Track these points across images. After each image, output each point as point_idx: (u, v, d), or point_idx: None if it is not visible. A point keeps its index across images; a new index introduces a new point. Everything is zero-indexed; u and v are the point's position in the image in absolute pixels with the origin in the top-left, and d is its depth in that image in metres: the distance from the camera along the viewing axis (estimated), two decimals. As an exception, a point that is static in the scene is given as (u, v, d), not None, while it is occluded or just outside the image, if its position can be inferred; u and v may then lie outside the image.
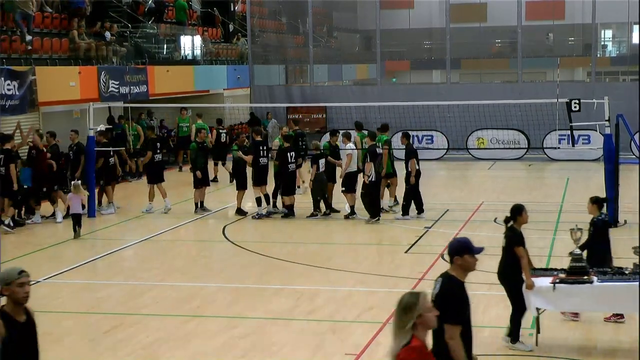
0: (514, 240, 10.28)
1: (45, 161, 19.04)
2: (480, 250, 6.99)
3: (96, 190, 20.21)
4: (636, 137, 23.91)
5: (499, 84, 36.17)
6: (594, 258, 10.72)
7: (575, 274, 10.22)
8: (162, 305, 12.52)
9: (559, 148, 28.16)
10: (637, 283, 9.72)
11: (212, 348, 10.58)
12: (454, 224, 18.26)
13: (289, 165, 19.28)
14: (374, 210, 18.56)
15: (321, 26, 43.16)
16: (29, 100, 21.72)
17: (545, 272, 10.62)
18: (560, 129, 25.92)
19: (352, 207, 19.10)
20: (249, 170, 19.67)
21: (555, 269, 10.67)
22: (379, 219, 18.55)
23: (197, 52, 32.57)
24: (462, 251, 6.93)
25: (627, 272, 10.29)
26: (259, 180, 19.41)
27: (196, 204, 20.04)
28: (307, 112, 31.23)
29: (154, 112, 29.05)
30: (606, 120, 18.24)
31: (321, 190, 19.27)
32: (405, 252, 15.81)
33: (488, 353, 10.28)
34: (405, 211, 18.96)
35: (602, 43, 47.62)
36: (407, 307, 5.73)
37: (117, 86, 25.58)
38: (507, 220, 10.48)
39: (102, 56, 25.88)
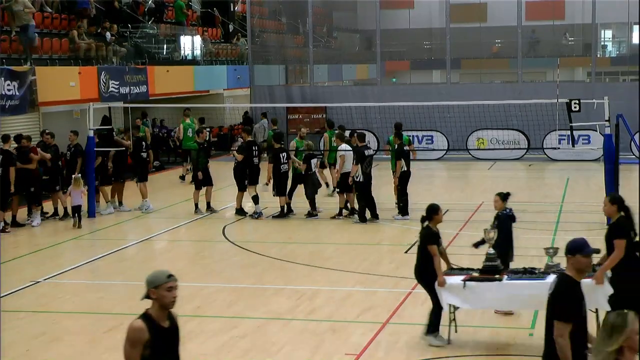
0: (427, 238, 10.48)
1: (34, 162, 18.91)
2: (593, 251, 7.06)
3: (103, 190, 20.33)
4: (636, 137, 23.93)
5: (499, 84, 36.19)
6: (496, 251, 10.88)
7: (487, 273, 10.45)
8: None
9: (559, 148, 28.16)
10: (545, 281, 9.97)
11: (212, 348, 10.59)
12: (454, 224, 18.25)
13: (281, 166, 19.29)
14: (371, 211, 18.60)
15: (321, 26, 43.18)
16: (29, 100, 21.72)
17: (461, 271, 10.79)
18: (560, 129, 25.91)
19: (352, 208, 19.13)
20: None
21: (472, 269, 10.84)
22: (377, 219, 18.59)
23: (197, 52, 32.58)
24: (574, 251, 7.20)
25: (537, 271, 10.51)
26: (252, 180, 19.49)
27: (196, 205, 20.00)
28: (307, 112, 31.22)
29: (148, 112, 29.01)
30: (606, 120, 18.24)
31: (313, 190, 19.28)
32: (405, 252, 15.81)
33: (488, 353, 10.29)
34: (404, 211, 19.03)
35: (602, 43, 47.62)
36: (614, 328, 5.27)
37: (117, 86, 25.59)
38: (423, 220, 10.68)
39: (102, 56, 25.89)
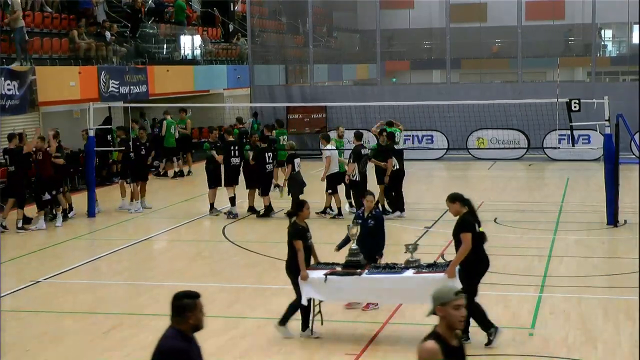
0: (292, 234, 10.68)
1: (49, 165, 18.87)
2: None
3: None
4: (636, 137, 23.92)
5: (499, 84, 36.18)
6: (368, 240, 11.25)
7: (349, 267, 10.73)
8: (162, 305, 12.49)
9: (559, 148, 28.17)
10: (402, 276, 10.49)
11: (212, 348, 10.58)
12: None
13: (267, 166, 19.29)
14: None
15: (321, 26, 43.16)
16: (29, 100, 21.72)
17: (326, 266, 10.96)
18: (560, 129, 25.93)
19: (339, 209, 19.14)
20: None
21: (337, 264, 11.03)
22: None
23: (197, 52, 32.58)
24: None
25: (397, 266, 10.83)
26: (230, 180, 19.55)
27: (211, 204, 19.94)
28: (307, 112, 31.23)
29: (148, 112, 29.01)
30: (606, 120, 18.25)
31: (298, 190, 19.30)
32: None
33: (488, 353, 10.29)
34: (400, 208, 19.03)
35: (602, 43, 47.62)
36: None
37: (117, 86, 25.59)
38: (290, 215, 10.92)
39: (102, 56, 25.90)
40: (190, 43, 32.30)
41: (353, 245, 10.96)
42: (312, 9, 34.39)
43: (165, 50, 31.00)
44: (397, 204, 19.28)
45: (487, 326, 10.44)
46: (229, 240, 17.08)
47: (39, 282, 14.09)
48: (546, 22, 45.17)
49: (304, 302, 10.60)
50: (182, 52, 31.88)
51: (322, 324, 10.97)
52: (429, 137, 30.49)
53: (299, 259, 10.56)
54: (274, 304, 12.27)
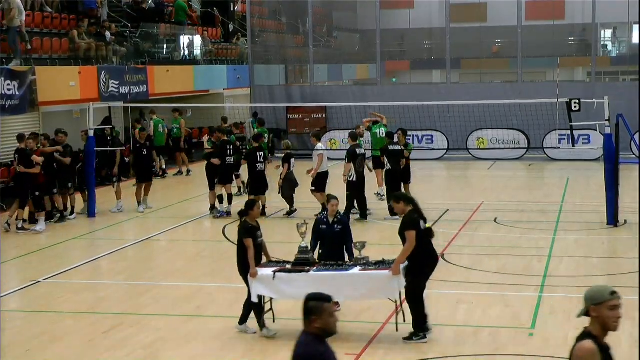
0: (242, 232, 10.90)
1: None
2: None
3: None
4: (636, 137, 23.91)
5: (499, 84, 36.16)
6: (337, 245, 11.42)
7: (298, 265, 10.91)
8: (162, 305, 12.52)
9: (559, 148, 28.17)
10: (347, 273, 10.66)
11: (212, 348, 10.59)
12: (454, 224, 18.26)
13: (257, 165, 19.34)
14: (361, 211, 18.65)
15: (321, 26, 43.14)
16: (29, 100, 21.70)
17: (277, 264, 11.13)
18: (560, 129, 25.93)
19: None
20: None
21: (288, 261, 11.16)
22: (365, 219, 18.63)
23: (197, 52, 32.57)
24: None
25: (344, 264, 11.01)
26: (223, 179, 19.59)
27: (212, 205, 19.97)
28: (307, 112, 31.24)
29: (145, 112, 28.98)
30: (606, 120, 18.25)
31: (291, 189, 19.32)
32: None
33: (488, 353, 10.29)
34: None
35: (602, 43, 47.60)
36: None
37: (117, 86, 25.58)
38: (241, 214, 11.08)
39: (102, 56, 25.89)
40: (190, 43, 32.28)
41: (302, 243, 11.11)
42: (312, 9, 34.39)
43: (165, 50, 30.99)
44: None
45: (420, 326, 10.59)
46: (229, 240, 17.06)
47: (39, 282, 14.09)
48: (546, 22, 45.12)
49: (254, 299, 10.77)
50: (182, 52, 31.86)
51: (274, 321, 11.07)
52: (429, 137, 30.49)
53: (248, 256, 10.74)
54: (274, 303, 12.25)
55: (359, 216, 18.67)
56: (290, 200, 19.38)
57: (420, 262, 10.56)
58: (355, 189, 18.49)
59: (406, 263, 10.57)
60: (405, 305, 10.82)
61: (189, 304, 12.24)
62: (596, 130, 24.27)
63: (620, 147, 17.90)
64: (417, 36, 48.96)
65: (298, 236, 11.40)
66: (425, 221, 10.67)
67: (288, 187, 19.25)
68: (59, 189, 19.16)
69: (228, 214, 19.57)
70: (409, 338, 10.60)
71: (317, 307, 5.79)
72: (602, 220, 18.01)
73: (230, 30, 37.07)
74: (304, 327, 5.84)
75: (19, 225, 18.13)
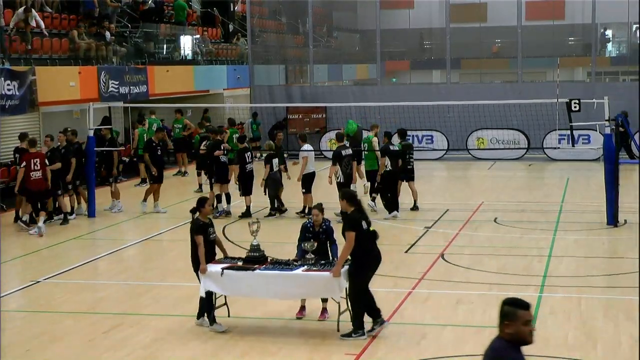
0: (194, 229, 11.18)
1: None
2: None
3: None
4: (636, 137, 23.92)
5: (499, 84, 36.16)
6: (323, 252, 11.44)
7: (249, 262, 11.13)
8: (162, 305, 12.52)
9: (559, 148, 28.17)
10: (292, 273, 10.79)
11: (212, 348, 10.59)
12: (454, 224, 18.26)
13: (246, 166, 19.34)
14: None
15: (321, 26, 43.14)
16: (29, 100, 21.72)
17: (232, 260, 11.35)
18: (560, 129, 25.92)
19: (309, 208, 19.19)
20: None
21: (241, 258, 11.37)
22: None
23: (197, 52, 32.56)
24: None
25: (292, 263, 11.11)
26: (220, 179, 19.66)
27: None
28: (307, 112, 31.24)
29: (145, 112, 28.99)
30: (606, 120, 18.25)
31: (274, 190, 19.33)
32: (405, 252, 15.82)
33: (488, 353, 10.27)
34: (390, 208, 19.05)
35: (602, 43, 47.58)
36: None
37: (117, 86, 25.58)
38: (193, 211, 11.34)
39: (102, 56, 25.90)
40: (190, 43, 32.28)
41: (254, 241, 11.30)
42: (312, 9, 34.39)
43: (165, 50, 30.99)
44: (393, 204, 19.25)
45: (359, 326, 10.70)
46: (229, 240, 17.05)
47: (39, 282, 14.09)
48: (546, 22, 45.13)
49: (202, 294, 11.04)
50: (182, 52, 31.86)
51: (228, 315, 11.34)
52: (429, 137, 30.49)
53: (199, 253, 11.00)
54: (274, 303, 12.27)
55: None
56: (273, 200, 19.37)
57: (362, 263, 10.66)
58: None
59: (346, 267, 10.68)
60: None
61: (189, 304, 12.24)
62: (596, 131, 24.27)
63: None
64: (417, 36, 48.95)
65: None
66: (368, 223, 10.76)
67: (272, 187, 19.29)
68: (63, 190, 19.18)
69: (228, 213, 19.57)
70: (348, 335, 10.73)
71: (511, 312, 5.66)
72: (602, 220, 18.01)
73: (230, 30, 37.07)
74: (498, 331, 5.66)
75: (23, 218, 18.15)
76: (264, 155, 20.22)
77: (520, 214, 19.69)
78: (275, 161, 19.37)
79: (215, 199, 19.76)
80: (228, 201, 19.77)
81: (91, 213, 19.88)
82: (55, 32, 25.07)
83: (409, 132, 29.82)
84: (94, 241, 17.87)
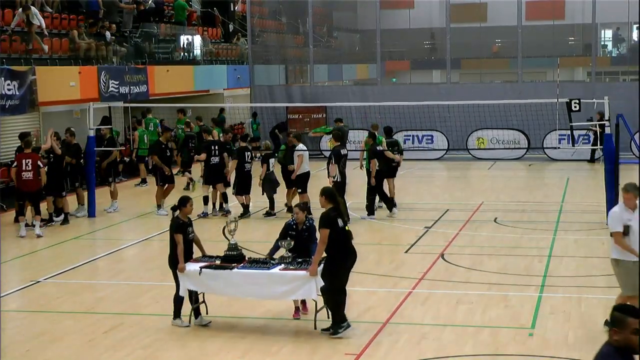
0: (173, 228, 11.35)
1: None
2: None
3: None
4: (636, 137, 23.92)
5: (499, 84, 36.16)
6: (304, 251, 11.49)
7: (226, 261, 11.25)
8: (162, 305, 12.52)
9: (559, 148, 28.17)
10: (267, 272, 10.94)
11: (212, 348, 10.59)
12: (454, 224, 18.27)
13: (245, 165, 19.34)
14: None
15: (321, 26, 43.14)
16: (29, 100, 21.71)
17: (210, 258, 11.52)
18: (560, 129, 25.89)
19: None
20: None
21: (219, 257, 11.49)
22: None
23: (197, 52, 32.56)
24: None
25: (270, 262, 11.24)
26: (210, 179, 19.69)
27: (213, 204, 19.99)
28: (307, 112, 31.24)
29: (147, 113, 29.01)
30: (606, 120, 18.24)
31: (271, 190, 19.33)
32: (405, 252, 15.82)
33: (488, 353, 10.28)
34: (371, 211, 18.98)
35: (602, 43, 47.61)
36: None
37: (117, 86, 25.58)
38: (173, 209, 11.54)
39: (102, 56, 25.89)
40: (190, 43, 32.28)
41: (232, 241, 11.43)
42: (312, 9, 34.39)
43: (165, 50, 30.98)
44: (389, 202, 19.24)
45: (337, 323, 10.80)
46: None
47: (38, 282, 14.09)
48: (546, 22, 45.14)
49: (182, 293, 11.19)
50: (182, 52, 31.86)
51: (207, 312, 11.47)
52: (429, 137, 30.50)
53: (177, 252, 11.15)
54: (274, 303, 12.27)
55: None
56: (271, 200, 19.38)
57: (337, 261, 10.73)
58: (339, 189, 18.53)
59: (322, 265, 10.77)
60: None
61: (188, 304, 12.23)
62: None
63: (620, 147, 17.89)
64: (417, 36, 48.97)
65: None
66: (344, 221, 10.81)
67: (268, 187, 19.30)
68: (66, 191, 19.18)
69: (228, 212, 19.56)
70: (328, 330, 10.86)
71: (620, 320, 5.46)
72: (602, 220, 17.98)
73: (230, 30, 37.07)
74: (608, 337, 5.54)
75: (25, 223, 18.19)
76: (262, 155, 20.21)
77: (520, 214, 19.69)
78: (272, 161, 19.37)
79: (202, 200, 19.71)
80: (226, 201, 19.77)
81: (91, 213, 19.88)
82: (55, 32, 25.06)
83: (409, 132, 30.12)
84: (93, 241, 17.87)
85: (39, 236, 17.61)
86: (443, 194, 23.38)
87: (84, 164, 19.97)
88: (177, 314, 11.39)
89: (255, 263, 11.24)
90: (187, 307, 11.50)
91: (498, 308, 11.96)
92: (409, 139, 30.38)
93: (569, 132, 19.54)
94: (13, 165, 18.14)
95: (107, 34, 26.41)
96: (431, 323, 11.41)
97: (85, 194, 20.06)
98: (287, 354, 10.40)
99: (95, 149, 20.30)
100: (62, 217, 19.07)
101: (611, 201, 17.67)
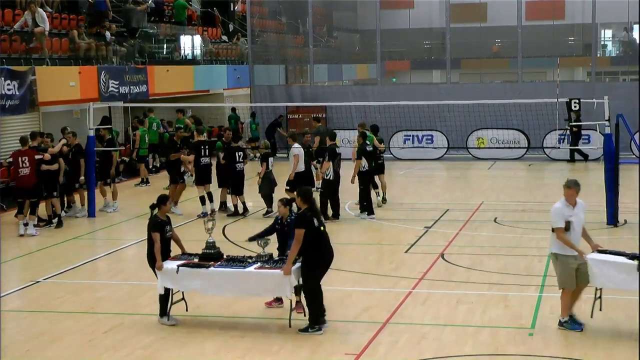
0: (150, 226, 11.49)
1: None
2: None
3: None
4: (636, 137, 23.92)
5: (499, 84, 36.18)
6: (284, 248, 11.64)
7: (204, 260, 11.43)
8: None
9: (559, 148, 28.19)
10: (244, 270, 11.07)
11: (212, 348, 10.59)
12: (454, 224, 18.26)
13: (237, 165, 19.33)
14: (334, 210, 18.70)
15: (321, 26, 43.16)
16: (29, 100, 21.71)
17: (189, 257, 11.66)
18: (560, 129, 25.90)
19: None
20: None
21: (197, 255, 11.63)
22: (337, 219, 18.64)
23: (197, 52, 32.57)
24: None
25: (246, 260, 11.40)
26: (201, 180, 19.65)
27: (222, 203, 20.00)
28: (307, 112, 31.24)
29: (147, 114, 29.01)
30: (606, 120, 18.25)
31: (269, 189, 19.35)
32: (405, 252, 15.82)
33: (488, 353, 10.28)
34: (370, 211, 19.01)
35: (602, 43, 47.63)
36: None
37: (117, 86, 25.58)
38: (152, 207, 11.66)
39: (102, 56, 25.89)
40: (190, 43, 32.28)
41: (209, 239, 11.56)
42: (312, 9, 34.39)
43: (165, 50, 30.99)
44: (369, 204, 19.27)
45: (312, 323, 10.92)
46: (229, 240, 17.07)
47: (38, 282, 14.09)
48: (546, 22, 45.18)
49: (160, 290, 11.35)
50: (182, 52, 31.85)
51: (187, 310, 11.56)
52: (429, 137, 30.50)
53: (155, 250, 11.31)
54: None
55: (331, 216, 18.63)
56: (269, 199, 19.39)
57: (313, 260, 10.85)
58: (331, 187, 18.55)
59: (298, 264, 10.89)
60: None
61: (189, 304, 12.24)
62: (596, 131, 24.28)
63: (620, 147, 17.90)
64: (417, 36, 49.00)
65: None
66: (320, 221, 10.95)
67: (267, 186, 19.31)
68: (58, 192, 19.14)
69: (213, 212, 19.57)
70: (305, 330, 10.94)
71: None
72: (602, 220, 18.01)
73: (230, 30, 37.07)
74: None
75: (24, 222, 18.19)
76: (260, 154, 20.21)
77: (520, 214, 19.69)
78: (271, 160, 19.38)
79: (200, 200, 19.70)
80: (211, 200, 19.73)
81: (91, 213, 19.87)
82: (55, 32, 25.05)
83: (409, 132, 30.12)
84: (93, 241, 17.87)
85: (31, 235, 17.63)
86: (443, 194, 23.37)
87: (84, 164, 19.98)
88: (163, 312, 11.48)
89: (232, 261, 11.42)
90: (192, 307, 11.50)
91: (498, 308, 11.96)
92: (409, 139, 30.39)
93: (567, 131, 19.57)
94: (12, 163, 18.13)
95: (107, 34, 26.41)
96: (431, 323, 11.41)
97: (85, 194, 20.06)
98: (287, 353, 10.40)
99: (95, 149, 20.28)
100: (53, 217, 19.05)
101: (611, 201, 17.70)
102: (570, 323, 10.89)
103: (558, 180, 25.29)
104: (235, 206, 19.57)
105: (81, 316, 12.10)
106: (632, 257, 10.70)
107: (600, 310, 10.98)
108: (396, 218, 19.15)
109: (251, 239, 11.86)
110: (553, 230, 10.89)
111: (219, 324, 11.54)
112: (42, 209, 18.90)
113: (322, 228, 10.95)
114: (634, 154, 24.82)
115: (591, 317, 10.96)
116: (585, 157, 28.24)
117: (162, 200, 11.62)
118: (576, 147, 27.67)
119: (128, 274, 14.94)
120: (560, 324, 10.93)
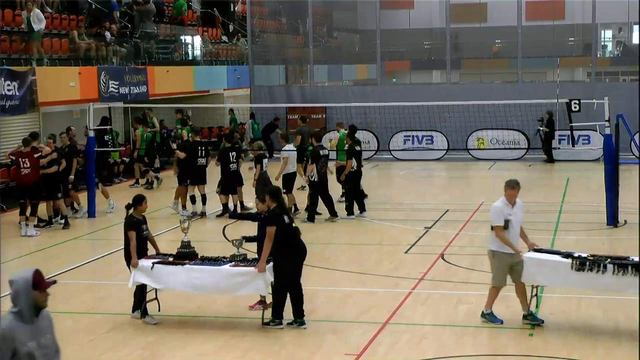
0: (126, 225, 11.55)
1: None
2: None
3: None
4: (636, 137, 23.92)
5: (499, 84, 36.19)
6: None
7: (179, 258, 11.58)
8: (162, 305, 12.51)
9: (559, 148, 28.19)
10: (219, 268, 11.26)
11: (212, 348, 10.59)
12: (454, 224, 18.26)
13: (230, 165, 19.35)
14: (329, 209, 18.71)
15: (321, 26, 43.17)
16: (29, 100, 21.72)
17: (164, 256, 11.77)
18: (561, 129, 25.90)
19: (294, 206, 19.20)
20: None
21: (172, 255, 11.76)
22: (336, 217, 18.66)
23: (197, 52, 32.57)
24: None
25: (221, 259, 11.56)
26: (195, 180, 19.67)
27: (224, 205, 19.98)
28: (307, 112, 31.22)
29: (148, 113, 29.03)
30: (606, 120, 18.25)
31: (263, 189, 19.31)
32: (405, 252, 15.82)
33: (488, 353, 10.29)
34: (350, 211, 19.00)
35: (602, 43, 47.64)
36: None
37: (117, 86, 25.59)
38: (128, 207, 11.73)
39: (102, 56, 25.90)
40: (190, 43, 32.30)
41: (185, 238, 11.71)
42: (312, 9, 34.40)
43: (165, 50, 31.00)
44: (360, 204, 19.22)
45: (277, 316, 11.14)
46: (229, 240, 17.04)
47: (39, 282, 14.06)
48: (546, 22, 45.19)
49: (130, 285, 11.50)
50: (182, 52, 31.86)
51: (159, 309, 11.59)
52: (429, 137, 30.50)
53: (130, 247, 11.40)
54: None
55: (329, 215, 18.63)
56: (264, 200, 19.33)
57: (285, 257, 10.98)
58: (317, 189, 18.55)
59: (271, 263, 11.02)
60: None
61: (188, 303, 12.25)
62: (596, 131, 24.28)
63: (620, 147, 17.90)
64: (417, 36, 49.02)
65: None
66: (290, 218, 11.13)
67: (262, 187, 19.28)
68: (63, 194, 19.11)
69: (203, 214, 19.57)
70: (267, 324, 11.14)
71: None
72: (602, 220, 18.00)
73: (230, 30, 37.08)
74: None
75: (35, 224, 18.17)
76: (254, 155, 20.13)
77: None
78: (265, 161, 19.37)
79: (190, 200, 19.72)
80: (204, 202, 19.72)
81: (91, 213, 19.87)
82: (55, 32, 25.07)
83: (409, 132, 30.13)
84: (93, 241, 17.87)
85: (30, 236, 17.63)
86: (443, 194, 23.37)
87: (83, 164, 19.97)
88: (136, 306, 11.63)
89: (207, 260, 11.56)
90: (192, 307, 11.49)
91: (498, 308, 11.94)
92: (409, 139, 30.39)
93: (569, 132, 19.57)
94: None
95: (107, 34, 26.42)
96: (431, 323, 11.41)
97: (85, 194, 20.07)
98: (288, 353, 10.40)
99: (95, 149, 20.28)
100: (60, 218, 19.02)
101: (611, 201, 17.69)
102: (492, 316, 11.21)
103: (558, 180, 25.35)
104: (225, 205, 19.52)
105: (81, 316, 12.10)
106: (566, 255, 11.07)
107: (537, 307, 11.34)
108: (396, 218, 19.15)
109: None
110: (492, 228, 11.19)
111: (219, 324, 11.54)
112: (43, 209, 18.89)
113: (293, 224, 11.12)
114: (634, 155, 24.82)
115: (533, 313, 11.19)
116: (550, 160, 28.59)
117: (139, 200, 11.71)
118: (548, 148, 28.01)
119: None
120: (483, 315, 11.25)
